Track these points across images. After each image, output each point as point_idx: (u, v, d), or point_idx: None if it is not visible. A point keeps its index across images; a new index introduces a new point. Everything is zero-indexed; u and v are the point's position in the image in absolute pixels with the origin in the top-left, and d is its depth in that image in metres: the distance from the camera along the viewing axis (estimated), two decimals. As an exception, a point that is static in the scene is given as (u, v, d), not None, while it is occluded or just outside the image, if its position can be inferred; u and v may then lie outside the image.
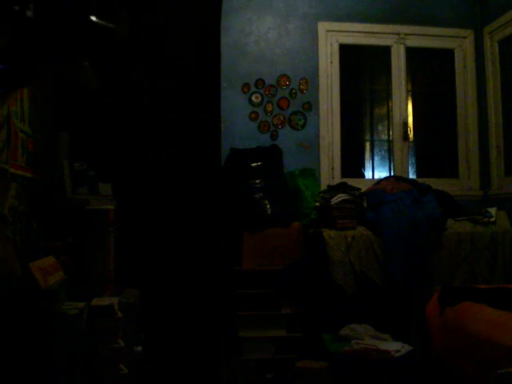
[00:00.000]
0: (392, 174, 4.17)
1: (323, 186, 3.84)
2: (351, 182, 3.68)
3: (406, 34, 4.19)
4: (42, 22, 1.91)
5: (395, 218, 3.31)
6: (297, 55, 4.07)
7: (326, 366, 2.90)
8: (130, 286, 2.85)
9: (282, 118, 4.01)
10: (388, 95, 4.25)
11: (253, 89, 3.99)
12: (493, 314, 2.39)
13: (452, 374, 2.50)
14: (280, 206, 3.50)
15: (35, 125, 2.72)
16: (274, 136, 3.98)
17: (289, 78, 4.04)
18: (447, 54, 4.29)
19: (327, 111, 4.06)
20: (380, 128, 4.32)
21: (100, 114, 3.58)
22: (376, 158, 4.27)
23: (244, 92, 3.98)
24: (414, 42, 4.22)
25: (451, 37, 4.24)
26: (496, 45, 4.07)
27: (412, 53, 4.24)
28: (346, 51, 4.17)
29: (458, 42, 4.26)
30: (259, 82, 4.00)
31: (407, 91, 4.24)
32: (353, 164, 4.22)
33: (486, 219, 3.47)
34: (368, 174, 4.26)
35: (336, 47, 4.12)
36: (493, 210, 3.55)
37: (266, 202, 3.47)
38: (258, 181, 3.55)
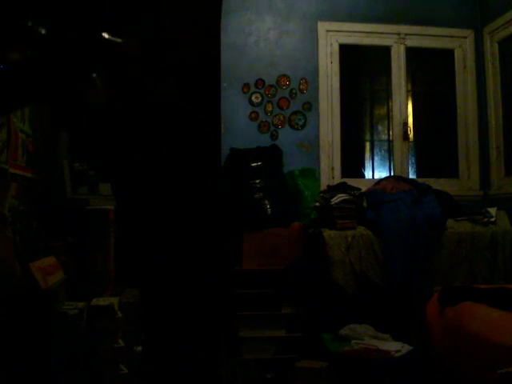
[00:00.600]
0: (392, 174, 4.16)
1: (323, 186, 3.84)
2: (351, 182, 3.68)
3: (406, 34, 4.19)
4: (54, 38, 1.92)
5: (395, 217, 3.31)
6: (297, 55, 4.07)
7: (326, 366, 2.90)
8: (130, 286, 2.85)
9: (282, 118, 4.01)
10: (388, 95, 4.25)
11: (253, 89, 3.99)
12: (493, 313, 2.39)
13: (452, 374, 2.50)
14: (280, 206, 3.50)
15: (35, 125, 2.72)
16: (274, 136, 3.98)
17: (289, 78, 4.04)
18: (447, 54, 4.29)
19: (327, 111, 4.06)
20: (380, 128, 4.32)
21: (100, 114, 3.58)
22: (376, 158, 4.27)
23: (244, 92, 3.98)
24: (414, 42, 4.22)
25: (451, 37, 4.24)
26: (496, 45, 4.07)
27: (412, 53, 4.24)
28: (346, 51, 4.17)
29: (458, 42, 4.26)
30: (259, 82, 4.00)
31: (407, 91, 4.24)
32: (353, 164, 4.22)
33: (485, 219, 3.47)
34: (368, 174, 4.26)
35: (336, 47, 4.12)
36: (493, 210, 3.55)
37: (266, 202, 3.47)
38: (257, 181, 3.55)
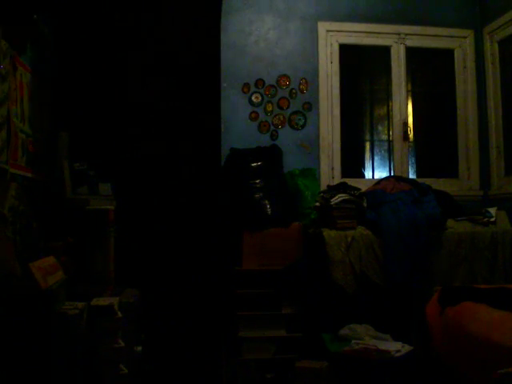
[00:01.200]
0: (392, 174, 4.16)
1: (323, 186, 3.84)
2: (351, 181, 3.68)
3: (406, 34, 4.19)
4: None
5: (395, 217, 3.31)
6: (297, 55, 4.07)
7: (325, 366, 2.90)
8: (130, 286, 2.85)
9: (282, 118, 4.00)
10: (388, 95, 4.25)
11: (253, 89, 3.99)
12: (493, 313, 2.39)
13: (452, 373, 2.50)
14: (280, 205, 3.50)
15: (35, 125, 2.72)
16: (274, 136, 3.98)
17: (289, 78, 4.03)
18: (447, 54, 4.29)
19: (327, 111, 4.06)
20: (380, 128, 4.32)
21: (100, 114, 3.58)
22: (376, 158, 4.27)
23: (244, 92, 3.98)
24: (414, 42, 4.22)
25: (451, 37, 4.24)
26: (496, 45, 4.07)
27: (412, 53, 4.23)
28: (346, 51, 4.16)
29: (458, 42, 4.26)
30: (259, 82, 4.00)
31: (407, 91, 4.24)
32: (353, 164, 4.22)
33: (485, 219, 3.47)
34: (368, 174, 4.26)
35: (336, 47, 4.12)
36: (493, 210, 3.54)
37: (266, 202, 3.47)
38: (257, 181, 3.55)
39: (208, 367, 3.44)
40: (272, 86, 4.01)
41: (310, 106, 4.04)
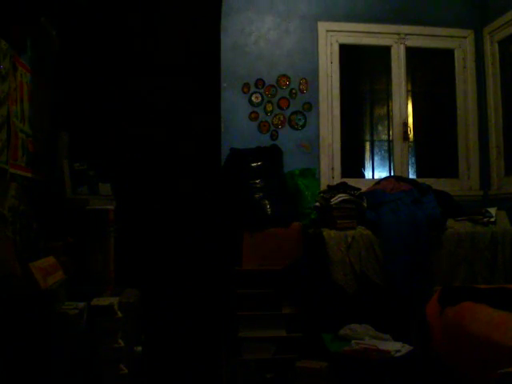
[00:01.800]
0: (392, 174, 4.17)
1: (323, 186, 3.84)
2: (351, 181, 3.68)
3: (406, 34, 4.19)
4: None
5: (395, 217, 3.31)
6: (297, 55, 4.07)
7: (325, 366, 2.90)
8: (130, 286, 2.85)
9: (282, 118, 4.01)
10: (388, 95, 4.25)
11: (253, 89, 3.99)
12: (493, 313, 2.39)
13: (452, 373, 2.50)
14: (280, 205, 3.50)
15: (35, 125, 2.72)
16: (273, 136, 3.98)
17: (289, 78, 4.04)
18: (447, 54, 4.29)
19: (327, 111, 4.06)
20: (380, 128, 4.32)
21: (100, 114, 3.58)
22: (376, 158, 4.27)
23: (244, 92, 3.98)
24: (414, 42, 4.22)
25: (451, 37, 4.24)
26: (496, 45, 4.07)
27: (412, 53, 4.24)
28: (346, 51, 4.17)
29: (458, 42, 4.26)
30: (259, 82, 4.00)
31: (407, 91, 4.24)
32: (353, 164, 4.22)
33: (486, 219, 3.47)
34: (368, 174, 4.26)
35: (336, 47, 4.12)
36: (493, 210, 3.55)
37: (266, 202, 3.47)
38: (257, 181, 3.55)
39: (208, 367, 3.43)
40: (272, 86, 4.01)
41: (310, 105, 4.04)
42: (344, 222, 3.30)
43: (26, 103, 2.57)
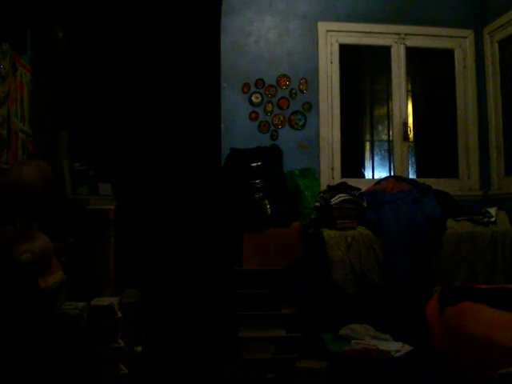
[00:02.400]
0: (392, 174, 4.17)
1: (323, 186, 3.84)
2: (351, 181, 3.68)
3: (406, 34, 4.19)
4: None
5: (395, 217, 3.31)
6: (297, 55, 4.07)
7: (325, 366, 2.90)
8: (130, 286, 2.85)
9: (282, 118, 4.01)
10: (388, 95, 4.25)
11: (253, 89, 3.99)
12: (493, 313, 2.39)
13: (452, 373, 2.50)
14: (280, 205, 3.50)
15: (35, 125, 2.72)
16: (273, 136, 3.98)
17: (289, 78, 4.04)
18: (447, 54, 4.29)
19: (327, 111, 4.06)
20: (380, 128, 4.32)
21: (100, 114, 3.58)
22: (376, 158, 4.27)
23: (244, 92, 3.98)
24: (414, 42, 4.22)
25: (451, 37, 4.24)
26: (496, 45, 4.07)
27: (412, 53, 4.24)
28: (346, 51, 4.17)
29: (458, 42, 4.26)
30: (259, 82, 4.00)
31: (407, 91, 4.24)
32: (353, 164, 4.22)
33: (486, 219, 3.47)
34: (368, 174, 4.26)
35: (336, 47, 4.12)
36: (493, 210, 3.54)
37: (266, 202, 3.47)
38: (258, 181, 3.55)
39: (208, 367, 3.43)
40: (272, 85, 4.01)
41: (310, 105, 4.04)
42: (344, 221, 3.30)
43: (26, 103, 2.57)
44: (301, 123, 4.03)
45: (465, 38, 4.25)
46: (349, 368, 2.72)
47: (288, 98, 4.02)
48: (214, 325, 3.54)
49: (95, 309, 2.22)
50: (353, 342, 2.78)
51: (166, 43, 3.66)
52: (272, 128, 3.99)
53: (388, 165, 4.24)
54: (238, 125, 3.95)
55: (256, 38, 4.05)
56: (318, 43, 4.08)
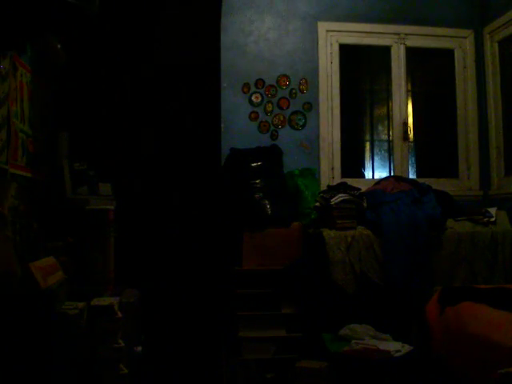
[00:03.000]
0: (392, 174, 4.16)
1: (323, 186, 3.84)
2: (351, 181, 3.68)
3: (406, 34, 4.19)
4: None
5: (395, 218, 3.31)
6: (297, 55, 4.07)
7: (325, 366, 2.90)
8: (130, 286, 2.85)
9: (282, 118, 4.00)
10: (388, 95, 4.25)
11: (253, 89, 3.99)
12: (493, 313, 2.39)
13: (452, 373, 2.50)
14: (280, 205, 3.50)
15: (35, 125, 2.72)
16: (274, 136, 3.98)
17: (289, 78, 4.03)
18: (447, 54, 4.29)
19: (327, 111, 4.06)
20: (380, 128, 4.32)
21: (100, 114, 3.58)
22: (376, 158, 4.27)
23: (244, 92, 3.98)
24: (414, 42, 4.22)
25: (451, 37, 4.24)
26: (496, 45, 4.07)
27: (412, 53, 4.23)
28: (346, 51, 4.16)
29: (458, 42, 4.26)
30: (259, 82, 4.00)
31: (407, 91, 4.24)
32: (353, 164, 4.22)
33: (486, 219, 3.47)
34: (368, 174, 4.26)
35: (336, 47, 4.12)
36: (493, 210, 3.54)
37: (266, 201, 3.47)
38: (258, 181, 3.55)
39: (208, 367, 3.43)
40: (272, 86, 4.01)
41: (310, 105, 4.04)
42: (344, 221, 3.30)
43: (26, 103, 2.57)
44: (301, 123, 4.03)
45: (465, 38, 4.24)
46: (349, 368, 2.72)
47: (288, 98, 4.02)
48: (214, 325, 3.54)
49: (95, 309, 2.22)
50: (353, 341, 2.78)
51: (166, 43, 3.67)
52: (272, 128, 3.99)
53: (388, 165, 4.24)
54: (238, 125, 3.95)
55: (256, 37, 4.05)
56: (317, 43, 4.08)
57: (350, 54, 4.19)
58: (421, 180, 3.86)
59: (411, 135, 4.23)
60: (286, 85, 4.03)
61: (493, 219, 3.48)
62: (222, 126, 3.90)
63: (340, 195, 3.34)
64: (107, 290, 2.65)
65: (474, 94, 4.21)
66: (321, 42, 4.08)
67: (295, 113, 4.02)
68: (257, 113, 3.98)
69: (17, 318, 1.92)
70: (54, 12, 2.08)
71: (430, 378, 2.63)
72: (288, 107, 4.02)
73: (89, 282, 2.64)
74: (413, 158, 4.26)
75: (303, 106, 4.03)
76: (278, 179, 3.69)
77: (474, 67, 4.22)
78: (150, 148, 3.67)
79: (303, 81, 4.04)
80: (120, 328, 2.25)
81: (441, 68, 4.38)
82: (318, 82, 4.06)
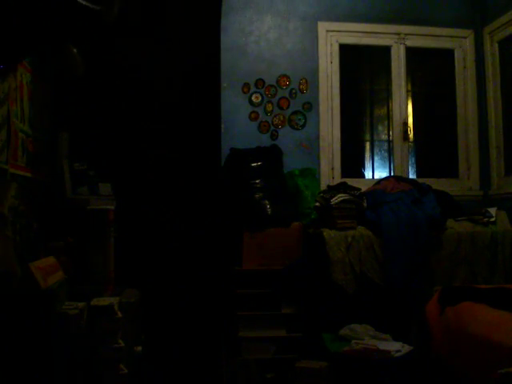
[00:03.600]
0: (392, 174, 4.16)
1: (323, 186, 3.84)
2: (351, 182, 3.68)
3: (406, 34, 4.19)
4: (27, 5, 1.89)
5: (395, 218, 3.31)
6: (297, 55, 4.07)
7: (325, 366, 2.90)
8: (130, 286, 2.85)
9: (282, 118, 4.00)
10: (388, 95, 4.25)
11: (253, 89, 3.99)
12: (493, 313, 2.39)
13: (452, 373, 2.50)
14: (280, 205, 3.50)
15: (35, 125, 2.72)
16: (274, 136, 3.98)
17: (289, 78, 4.03)
18: (447, 54, 4.29)
19: (327, 111, 4.06)
20: (380, 128, 4.32)
21: (100, 114, 3.58)
22: (376, 158, 4.27)
23: (244, 92, 3.98)
24: (414, 42, 4.22)
25: (451, 37, 4.24)
26: (496, 45, 4.07)
27: (412, 53, 4.23)
28: (346, 51, 4.16)
29: (458, 42, 4.26)
30: (259, 82, 3.99)
31: (407, 91, 4.24)
32: (353, 164, 4.22)
33: (485, 219, 3.47)
34: (368, 174, 4.26)
35: (336, 47, 4.12)
36: (493, 210, 3.54)
37: (266, 202, 3.47)
38: (258, 181, 3.55)
39: (208, 367, 3.44)
40: (272, 86, 4.01)
41: (310, 105, 4.04)
42: (344, 221, 3.30)
43: (26, 103, 2.57)
44: (301, 123, 4.03)
45: (465, 38, 4.24)
46: (349, 368, 2.72)
47: (288, 98, 4.02)
48: (214, 325, 3.54)
49: (95, 309, 2.22)
50: (353, 341, 2.78)
51: (166, 43, 3.67)
52: (272, 128, 3.99)
53: (388, 165, 4.24)
54: (238, 125, 3.95)
55: (256, 37, 4.05)
56: (317, 43, 4.08)
57: (349, 54, 4.19)
58: (421, 180, 3.86)
59: (411, 135, 4.23)
60: (286, 85, 4.03)
61: (493, 219, 3.48)
62: (222, 126, 3.90)
63: (340, 195, 3.34)
64: (107, 290, 2.65)
65: (474, 94, 4.21)
66: (321, 42, 4.08)
67: (295, 113, 4.02)
68: (257, 113, 3.98)
69: (17, 318, 1.92)
70: (76, 18, 2.07)
71: (430, 378, 2.63)
72: (288, 107, 4.02)
73: (89, 282, 2.64)
74: (413, 158, 4.26)
75: (303, 106, 4.03)
76: (277, 179, 3.69)
77: (474, 67, 4.22)
78: (150, 148, 3.67)
79: (303, 81, 4.04)
80: (120, 328, 2.25)
81: (441, 68, 4.38)
82: (318, 81, 4.06)
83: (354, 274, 3.19)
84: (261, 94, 3.99)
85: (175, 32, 3.64)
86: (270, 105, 3.99)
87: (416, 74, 4.33)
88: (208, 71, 3.79)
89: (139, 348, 2.71)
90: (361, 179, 4.13)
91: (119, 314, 2.26)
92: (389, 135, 4.26)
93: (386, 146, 4.28)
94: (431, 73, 4.46)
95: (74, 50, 2.62)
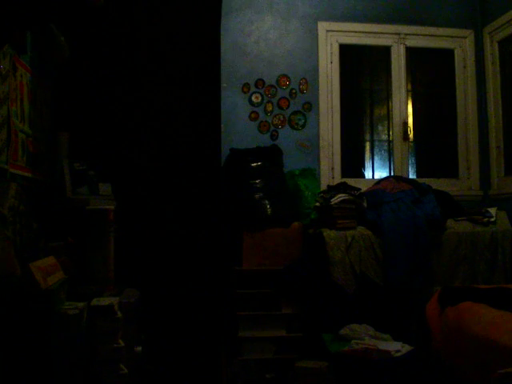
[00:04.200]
0: (392, 173, 4.16)
1: (323, 186, 3.84)
2: (351, 181, 3.68)
3: (406, 34, 4.19)
4: None
5: (395, 217, 3.31)
6: (297, 55, 4.07)
7: (325, 366, 2.90)
8: (130, 286, 2.85)
9: (282, 118, 4.00)
10: (388, 95, 4.25)
11: (253, 89, 3.99)
12: (493, 313, 2.39)
13: (452, 373, 2.50)
14: (280, 205, 3.50)
15: (35, 125, 2.72)
16: (273, 136, 3.98)
17: (289, 78, 4.03)
18: (447, 54, 4.29)
19: (327, 111, 4.06)
20: (380, 128, 4.32)
21: (100, 114, 3.58)
22: (376, 158, 4.27)
23: (244, 92, 3.98)
24: (414, 42, 4.22)
25: (451, 37, 4.24)
26: (496, 45, 4.07)
27: (412, 53, 4.24)
28: (346, 51, 4.17)
29: (458, 42, 4.26)
30: (259, 82, 4.00)
31: (407, 91, 4.24)
32: (353, 164, 4.22)
33: (485, 219, 3.48)
34: (368, 174, 4.26)
35: (336, 47, 4.12)
36: (493, 210, 3.55)
37: (266, 202, 3.47)
38: (258, 181, 3.55)
39: (208, 367, 3.43)
40: (272, 86, 4.01)
41: (310, 105, 4.04)
42: (344, 221, 3.30)
43: (26, 103, 2.58)
44: (301, 123, 4.03)
45: (465, 38, 4.25)
46: (349, 368, 2.72)
47: (288, 98, 4.02)
48: (214, 325, 3.54)
49: (95, 309, 2.22)
50: (353, 342, 2.78)
51: (166, 43, 3.66)
52: (272, 128, 3.99)
53: (388, 165, 4.24)
54: (238, 125, 3.95)
55: (256, 38, 4.05)
56: (317, 43, 4.08)
57: (349, 54, 4.20)
58: (421, 180, 3.87)
59: (411, 135, 4.23)
60: (286, 85, 4.03)
61: (493, 219, 3.48)
62: (222, 126, 3.90)
63: (340, 195, 3.34)
64: (107, 290, 2.65)
65: (474, 94, 4.21)
66: (321, 42, 4.08)
67: (295, 113, 4.02)
68: (257, 113, 3.98)
69: (17, 318, 1.92)
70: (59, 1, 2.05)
71: (430, 378, 2.63)
72: (288, 107, 4.02)
73: (89, 282, 2.64)
74: (413, 158, 4.26)
75: (303, 106, 4.03)
76: (277, 179, 3.69)
77: (474, 67, 4.22)
78: (150, 148, 3.66)
79: (303, 81, 4.04)
80: (120, 328, 2.25)
81: (441, 68, 4.38)
82: (317, 81, 4.06)
83: (353, 274, 3.19)
84: (261, 94, 3.99)
85: (175, 32, 3.64)
86: (269, 105, 3.99)
87: (416, 74, 4.33)
88: (208, 71, 3.79)
89: (139, 348, 2.71)
90: (361, 179, 4.13)
91: (119, 314, 2.26)
92: (389, 135, 4.26)
93: (385, 145, 4.28)
94: (431, 73, 4.46)
95: (59, 34, 2.61)
